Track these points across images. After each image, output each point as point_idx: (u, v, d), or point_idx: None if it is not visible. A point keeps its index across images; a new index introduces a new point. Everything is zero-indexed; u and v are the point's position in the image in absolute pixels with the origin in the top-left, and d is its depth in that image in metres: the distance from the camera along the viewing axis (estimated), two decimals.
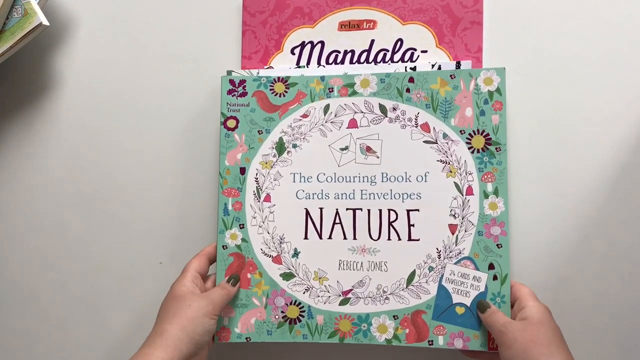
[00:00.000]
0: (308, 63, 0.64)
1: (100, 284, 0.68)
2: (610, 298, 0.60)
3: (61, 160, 0.69)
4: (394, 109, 0.59)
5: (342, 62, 0.63)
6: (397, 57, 0.62)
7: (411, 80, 0.59)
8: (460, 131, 0.57)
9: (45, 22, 0.63)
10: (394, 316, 0.57)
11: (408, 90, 0.59)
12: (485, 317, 0.54)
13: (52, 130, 0.69)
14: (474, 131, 0.57)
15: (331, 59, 0.64)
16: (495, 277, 0.55)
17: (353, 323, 0.57)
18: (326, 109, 0.60)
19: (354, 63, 0.63)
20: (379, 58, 0.63)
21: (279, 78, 0.61)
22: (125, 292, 0.68)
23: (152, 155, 0.68)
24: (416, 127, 0.58)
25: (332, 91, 0.60)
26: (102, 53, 0.69)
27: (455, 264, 0.56)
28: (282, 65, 0.64)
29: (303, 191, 0.60)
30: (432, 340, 0.56)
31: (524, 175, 0.61)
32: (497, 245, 0.56)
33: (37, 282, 0.69)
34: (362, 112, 0.59)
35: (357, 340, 0.57)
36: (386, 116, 0.59)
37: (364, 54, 0.63)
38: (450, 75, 0.58)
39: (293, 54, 0.64)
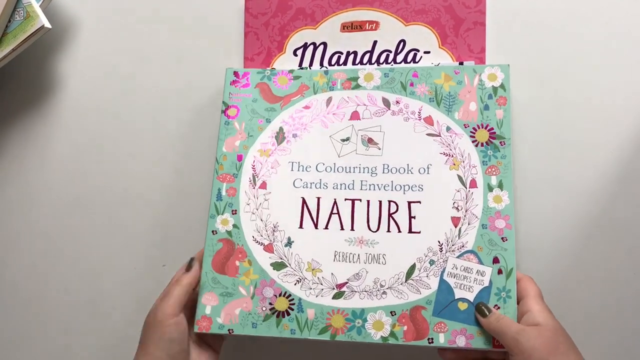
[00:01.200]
0: (311, 64, 0.64)
1: (104, 287, 0.66)
2: (615, 298, 0.58)
3: (63, 163, 0.68)
4: (397, 102, 0.58)
5: (345, 63, 0.63)
6: (399, 58, 0.62)
7: (415, 74, 0.59)
8: (464, 125, 0.56)
9: (47, 25, 0.62)
10: (391, 312, 0.52)
11: (412, 84, 0.58)
12: (491, 322, 0.50)
13: (54, 132, 0.68)
14: (478, 125, 0.56)
15: (334, 60, 0.64)
16: (500, 271, 0.52)
17: (347, 319, 0.53)
18: (328, 101, 0.59)
19: (357, 64, 0.63)
20: (382, 59, 0.63)
21: (282, 71, 0.61)
22: (129, 295, 0.65)
23: (154, 158, 0.66)
24: (419, 120, 0.57)
25: (335, 84, 0.60)
26: (103, 55, 0.69)
27: (458, 257, 0.53)
28: (285, 66, 0.64)
29: (301, 180, 0.57)
30: (432, 338, 0.51)
31: (527, 175, 0.60)
32: (502, 238, 0.53)
33: (40, 286, 0.67)
34: (365, 104, 0.59)
35: (350, 338, 0.52)
36: (389, 109, 0.58)
37: (367, 55, 0.63)
38: (455, 71, 0.58)
39: (295, 55, 0.64)
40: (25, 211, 0.68)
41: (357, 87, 0.59)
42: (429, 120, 0.57)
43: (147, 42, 0.68)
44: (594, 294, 0.58)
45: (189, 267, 0.54)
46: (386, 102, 0.58)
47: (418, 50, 0.62)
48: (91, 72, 0.69)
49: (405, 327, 0.52)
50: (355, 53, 0.63)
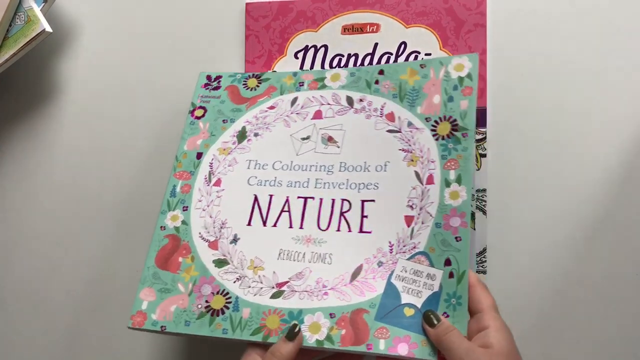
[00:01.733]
0: (312, 67, 0.63)
1: (106, 289, 0.66)
2: (616, 300, 0.56)
3: (65, 166, 0.69)
4: (361, 100, 0.55)
5: (346, 65, 0.62)
6: (401, 60, 0.60)
7: (381, 72, 0.56)
8: (426, 119, 0.52)
9: (48, 29, 0.62)
10: (330, 314, 0.47)
11: (377, 82, 0.56)
12: (439, 333, 0.44)
13: (55, 136, 0.70)
14: (440, 118, 0.52)
15: (335, 63, 0.62)
16: (451, 274, 0.46)
17: (282, 319, 0.48)
18: (294, 101, 0.58)
19: (358, 67, 0.62)
20: (383, 61, 0.61)
21: (253, 74, 0.60)
22: (131, 297, 0.64)
23: (156, 160, 0.67)
24: (381, 117, 0.54)
25: (302, 85, 0.58)
26: (105, 59, 0.69)
27: (409, 259, 0.48)
28: (286, 69, 0.63)
29: (255, 177, 0.55)
30: (371, 344, 0.45)
31: (526, 176, 0.58)
32: (456, 238, 0.47)
33: (43, 288, 0.68)
34: (329, 104, 0.56)
35: None
36: (352, 107, 0.56)
37: (368, 58, 0.61)
38: (421, 65, 0.55)
39: (297, 58, 0.63)
40: (28, 213, 0.69)
41: (324, 87, 0.58)
42: (390, 117, 0.54)
43: (148, 45, 0.69)
44: (596, 298, 0.57)
45: (292, 336, 0.47)
46: (350, 101, 0.56)
47: (419, 53, 0.60)
48: (92, 75, 0.69)
49: (343, 331, 0.46)
50: (356, 55, 0.62)
